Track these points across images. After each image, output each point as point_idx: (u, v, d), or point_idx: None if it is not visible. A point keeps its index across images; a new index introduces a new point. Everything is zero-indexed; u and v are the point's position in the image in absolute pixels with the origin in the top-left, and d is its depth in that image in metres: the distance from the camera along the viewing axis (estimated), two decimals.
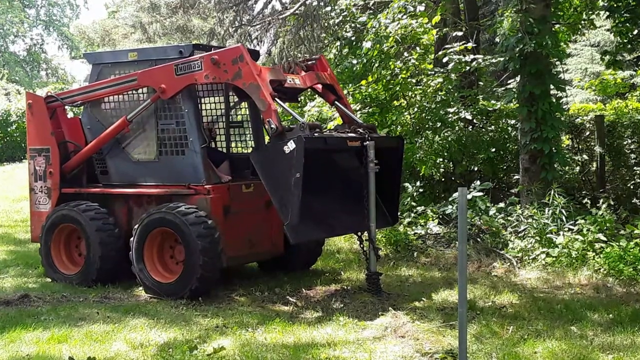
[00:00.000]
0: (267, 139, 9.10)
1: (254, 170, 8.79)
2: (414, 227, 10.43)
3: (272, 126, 7.08)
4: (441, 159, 11.60)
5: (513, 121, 11.97)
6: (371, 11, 14.44)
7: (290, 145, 6.80)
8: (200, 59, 7.70)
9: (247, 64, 7.42)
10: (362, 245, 7.79)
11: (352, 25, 13.22)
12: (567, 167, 11.48)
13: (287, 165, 6.81)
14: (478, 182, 10.71)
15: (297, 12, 13.91)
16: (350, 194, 7.66)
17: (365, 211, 7.46)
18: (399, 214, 9.15)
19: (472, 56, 11.98)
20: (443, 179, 12.04)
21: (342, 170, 7.85)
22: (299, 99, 10.40)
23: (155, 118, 8.16)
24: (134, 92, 8.32)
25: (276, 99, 7.47)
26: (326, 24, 13.66)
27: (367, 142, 7.42)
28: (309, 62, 8.51)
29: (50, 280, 8.54)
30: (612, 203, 10.52)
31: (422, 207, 10.92)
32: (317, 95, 12.00)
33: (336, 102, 8.45)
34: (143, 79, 8.08)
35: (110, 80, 8.37)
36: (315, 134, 7.17)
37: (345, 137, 7.61)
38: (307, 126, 7.11)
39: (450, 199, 10.80)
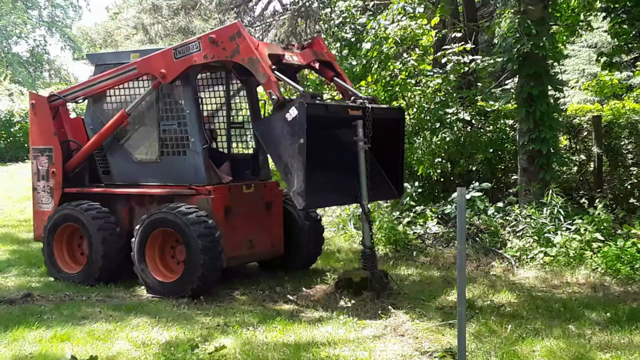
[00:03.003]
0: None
1: (254, 170, 8.90)
2: (413, 227, 10.48)
3: (274, 97, 7.08)
4: (439, 159, 11.65)
5: (511, 122, 12.03)
6: (371, 12, 14.51)
7: (292, 112, 6.82)
8: (197, 40, 7.77)
9: (245, 39, 7.45)
10: (367, 216, 7.70)
11: (352, 26, 13.28)
12: (564, 167, 11.53)
13: (290, 133, 6.82)
14: (477, 182, 10.76)
15: (295, 13, 13.97)
16: (355, 163, 7.60)
17: (370, 183, 7.47)
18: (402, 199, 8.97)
19: (470, 57, 12.03)
20: (442, 179, 12.09)
21: (345, 139, 7.78)
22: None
23: (157, 119, 8.22)
24: (136, 87, 8.35)
25: (276, 72, 7.44)
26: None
27: (370, 120, 7.42)
28: (305, 43, 8.56)
29: (53, 279, 8.58)
30: (609, 203, 10.59)
31: (421, 207, 10.97)
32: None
33: (335, 79, 8.43)
34: (142, 67, 8.15)
35: (111, 72, 8.42)
36: (317, 102, 7.22)
37: (346, 105, 7.66)
38: (308, 95, 7.16)
39: (449, 198, 10.86)
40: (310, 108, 6.84)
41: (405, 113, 12.31)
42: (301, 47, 8.41)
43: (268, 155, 9.30)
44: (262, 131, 7.23)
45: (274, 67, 7.42)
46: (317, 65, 8.50)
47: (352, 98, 7.92)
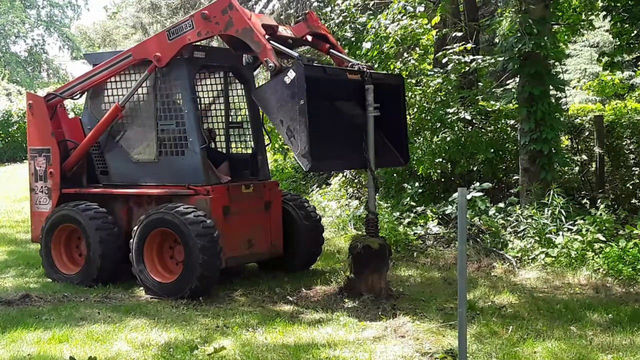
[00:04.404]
0: (266, 139, 9.19)
1: (253, 170, 8.86)
2: (413, 227, 10.44)
3: (270, 64, 7.04)
4: (440, 159, 11.61)
5: (512, 122, 11.99)
6: (371, 12, 14.46)
7: (290, 75, 6.77)
8: (190, 18, 7.76)
9: (237, 11, 7.40)
10: (374, 181, 7.64)
11: (352, 25, 13.24)
12: (566, 168, 11.49)
13: (290, 95, 6.77)
14: (477, 183, 10.72)
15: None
16: (358, 128, 7.54)
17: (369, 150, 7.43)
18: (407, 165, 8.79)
19: (471, 57, 11.99)
20: (442, 180, 12.05)
21: (346, 104, 7.75)
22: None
23: (155, 118, 8.18)
24: (133, 88, 8.32)
25: (271, 41, 7.38)
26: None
27: (367, 85, 7.36)
28: (298, 19, 8.51)
29: (51, 280, 8.55)
30: (611, 203, 10.55)
31: (422, 207, 10.93)
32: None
33: (331, 50, 8.31)
34: (137, 52, 8.12)
35: (107, 62, 8.39)
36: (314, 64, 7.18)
37: (344, 68, 7.64)
38: (305, 59, 7.13)
39: (450, 199, 10.82)
40: (308, 69, 6.83)
41: (406, 113, 12.28)
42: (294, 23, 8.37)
43: (267, 155, 9.28)
44: (261, 98, 7.17)
45: (267, 36, 7.37)
46: (311, 38, 8.35)
47: (350, 64, 7.87)
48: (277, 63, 7.03)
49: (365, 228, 7.64)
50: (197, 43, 7.91)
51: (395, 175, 12.28)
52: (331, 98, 7.58)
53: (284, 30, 7.93)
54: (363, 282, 7.39)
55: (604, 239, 8.80)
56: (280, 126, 6.92)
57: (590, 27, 13.22)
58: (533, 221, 9.39)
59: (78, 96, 8.87)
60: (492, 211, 10.18)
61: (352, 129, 7.56)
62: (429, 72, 12.23)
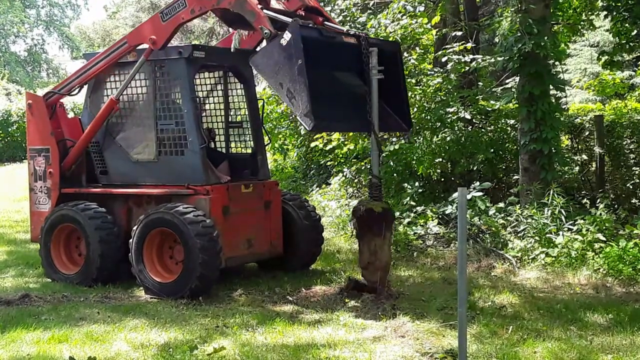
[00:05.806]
0: (266, 139, 9.18)
1: (253, 170, 8.86)
2: (413, 227, 10.43)
3: (266, 31, 7.03)
4: (440, 159, 11.61)
5: (512, 121, 11.98)
6: (371, 11, 14.47)
7: (287, 36, 6.76)
8: None
9: None
10: (378, 144, 7.62)
11: (352, 25, 13.23)
12: (566, 167, 11.48)
13: (287, 57, 6.75)
14: (477, 182, 10.71)
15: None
16: (357, 93, 7.52)
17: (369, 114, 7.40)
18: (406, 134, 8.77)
19: (471, 56, 11.98)
20: (442, 179, 12.04)
21: (344, 68, 7.71)
22: None
23: (155, 118, 8.18)
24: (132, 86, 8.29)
25: (264, 10, 7.36)
26: None
27: (371, 48, 7.33)
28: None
29: (50, 280, 8.54)
30: (611, 203, 10.54)
31: (422, 207, 10.92)
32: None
33: (326, 23, 8.21)
34: (133, 39, 8.14)
35: (103, 53, 8.36)
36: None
37: (341, 32, 7.64)
38: (300, 21, 7.12)
39: (450, 199, 10.81)
40: (304, 29, 6.84)
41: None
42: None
43: (267, 154, 9.27)
44: (259, 62, 7.14)
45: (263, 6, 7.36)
46: (304, 13, 8.21)
47: (346, 29, 7.86)
48: (272, 29, 7.01)
49: (369, 192, 7.60)
50: (197, 43, 7.89)
51: (395, 175, 12.27)
52: (328, 61, 7.52)
53: (276, 4, 7.89)
54: (366, 246, 7.35)
55: (604, 238, 8.79)
56: (279, 89, 6.89)
57: (591, 27, 13.22)
58: (533, 221, 9.38)
59: (76, 91, 8.83)
60: (492, 211, 10.17)
61: (351, 92, 7.52)
62: (428, 72, 12.23)
